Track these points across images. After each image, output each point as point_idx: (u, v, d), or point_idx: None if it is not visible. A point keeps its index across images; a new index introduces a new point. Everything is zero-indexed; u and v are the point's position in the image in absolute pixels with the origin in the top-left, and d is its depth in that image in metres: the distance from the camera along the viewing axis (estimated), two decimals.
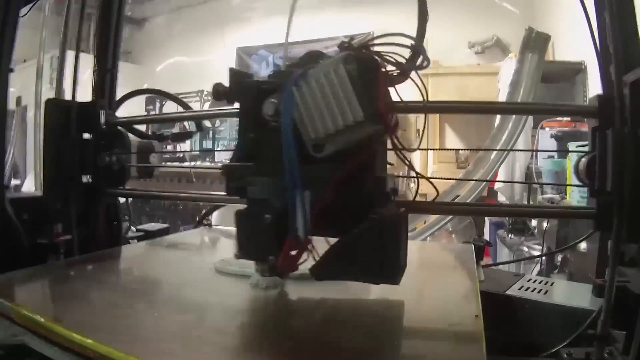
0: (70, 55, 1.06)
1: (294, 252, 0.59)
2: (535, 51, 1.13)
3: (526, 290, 0.85)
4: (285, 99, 0.54)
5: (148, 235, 1.23)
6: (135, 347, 0.50)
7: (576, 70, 2.65)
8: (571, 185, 1.67)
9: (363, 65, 0.52)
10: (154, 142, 1.09)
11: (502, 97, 2.11)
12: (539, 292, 0.85)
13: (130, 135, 1.05)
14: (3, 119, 0.86)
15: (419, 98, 0.64)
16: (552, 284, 0.90)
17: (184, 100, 1.24)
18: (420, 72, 0.60)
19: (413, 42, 0.58)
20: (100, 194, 1.00)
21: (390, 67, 0.57)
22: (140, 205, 3.67)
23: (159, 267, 0.94)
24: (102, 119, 0.99)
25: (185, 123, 1.17)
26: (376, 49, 0.57)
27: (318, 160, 0.54)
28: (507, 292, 0.84)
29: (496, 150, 1.47)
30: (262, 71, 4.67)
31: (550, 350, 0.69)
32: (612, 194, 0.59)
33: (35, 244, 0.90)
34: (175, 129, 1.17)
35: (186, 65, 5.35)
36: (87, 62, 1.10)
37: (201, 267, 0.89)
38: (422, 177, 0.70)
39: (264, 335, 0.59)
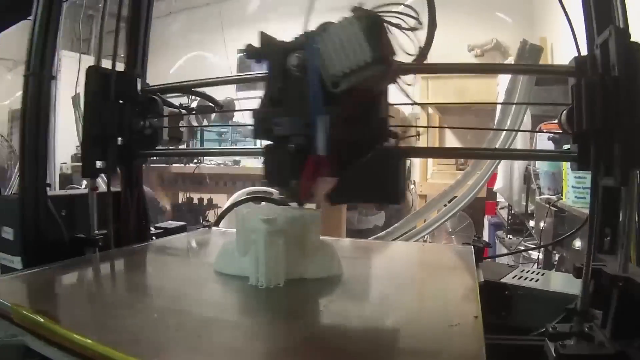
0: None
1: (312, 180, 0.70)
2: (528, 62, 1.21)
3: (519, 279, 0.92)
4: (311, 45, 0.68)
5: (167, 233, 1.28)
6: (135, 347, 0.50)
7: None
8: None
9: (371, 20, 0.66)
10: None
11: (500, 99, 2.17)
12: (530, 280, 0.91)
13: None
14: (46, 124, 0.95)
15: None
16: (543, 274, 0.96)
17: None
18: (419, 74, 0.74)
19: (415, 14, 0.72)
20: (134, 155, 1.10)
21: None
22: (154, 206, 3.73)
23: (160, 267, 0.95)
24: (139, 86, 1.10)
25: None
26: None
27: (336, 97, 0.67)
28: (501, 280, 0.90)
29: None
30: None
31: (540, 330, 0.76)
32: (589, 134, 0.69)
33: (74, 238, 0.99)
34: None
35: (188, 67, 5.41)
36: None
37: (201, 267, 0.91)
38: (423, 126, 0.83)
39: (264, 335, 0.60)
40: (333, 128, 0.67)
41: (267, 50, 0.74)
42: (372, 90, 0.69)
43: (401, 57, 0.73)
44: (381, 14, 0.68)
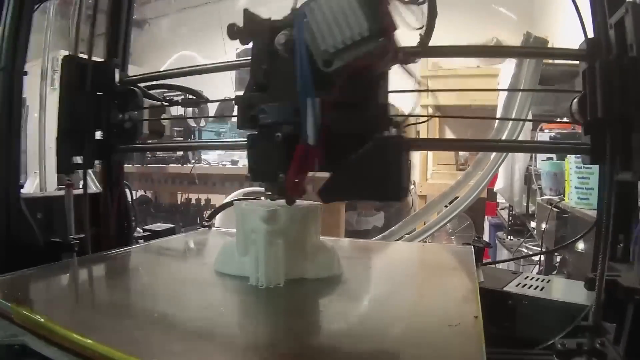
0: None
1: (301, 173, 0.63)
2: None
3: (523, 287, 0.87)
4: (298, 18, 0.60)
5: (154, 235, 1.24)
6: (135, 347, 0.50)
7: (574, 72, 2.66)
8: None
9: None
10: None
11: (501, 99, 2.14)
12: (535, 288, 0.86)
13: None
14: (18, 120, 0.89)
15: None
16: (548, 282, 0.91)
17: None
18: (420, 74, 0.64)
19: None
20: (112, 149, 1.04)
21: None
22: (145, 206, 3.69)
23: (160, 267, 0.93)
24: (117, 77, 1.04)
25: None
26: None
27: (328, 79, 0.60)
28: (504, 289, 0.86)
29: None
30: None
31: (546, 343, 0.71)
32: (604, 123, 0.64)
33: (49, 243, 0.93)
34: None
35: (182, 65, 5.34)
36: None
37: (201, 267, 0.90)
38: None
39: (264, 336, 0.60)
40: (324, 114, 0.60)
41: (252, 29, 0.67)
42: (371, 70, 0.61)
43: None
44: None
